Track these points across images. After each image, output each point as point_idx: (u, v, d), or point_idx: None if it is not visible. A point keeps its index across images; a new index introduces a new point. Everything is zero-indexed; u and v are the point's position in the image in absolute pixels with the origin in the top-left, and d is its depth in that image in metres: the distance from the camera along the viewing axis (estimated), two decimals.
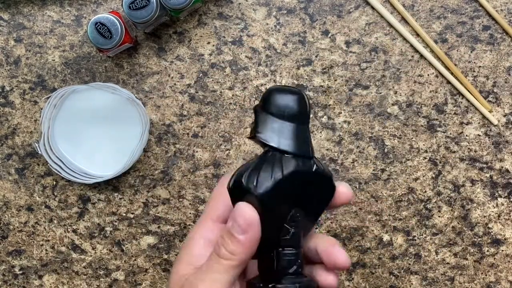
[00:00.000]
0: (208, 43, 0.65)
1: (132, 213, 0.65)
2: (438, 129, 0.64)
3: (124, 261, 0.65)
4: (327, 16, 0.64)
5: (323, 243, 0.47)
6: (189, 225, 0.65)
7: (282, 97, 0.44)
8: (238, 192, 0.43)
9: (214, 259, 0.43)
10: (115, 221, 0.65)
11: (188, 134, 0.65)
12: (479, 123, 0.64)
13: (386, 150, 0.64)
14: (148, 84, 0.65)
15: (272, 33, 0.64)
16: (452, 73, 0.64)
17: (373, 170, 0.64)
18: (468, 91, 0.64)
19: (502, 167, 0.64)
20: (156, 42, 0.65)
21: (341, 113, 0.64)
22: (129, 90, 0.65)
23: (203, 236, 0.46)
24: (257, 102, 0.64)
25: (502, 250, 0.64)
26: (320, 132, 0.64)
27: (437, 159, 0.64)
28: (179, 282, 0.45)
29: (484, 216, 0.64)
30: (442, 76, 0.64)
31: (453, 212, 0.64)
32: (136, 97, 0.64)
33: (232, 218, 0.43)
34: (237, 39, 0.65)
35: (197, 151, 0.65)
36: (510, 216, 0.64)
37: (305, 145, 0.44)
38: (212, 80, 0.65)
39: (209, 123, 0.65)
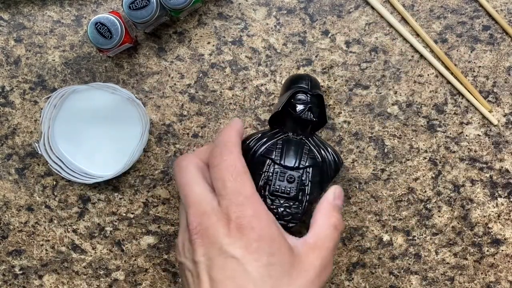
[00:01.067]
0: (208, 43, 0.65)
1: (132, 213, 0.65)
2: (438, 129, 0.64)
3: (124, 261, 0.65)
4: (327, 16, 0.64)
5: None
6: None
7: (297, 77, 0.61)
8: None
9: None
10: (115, 221, 0.65)
11: (188, 134, 0.65)
12: (479, 123, 0.64)
13: (386, 150, 0.64)
14: (148, 84, 0.65)
15: (272, 33, 0.64)
16: (452, 73, 0.64)
17: (373, 170, 0.64)
18: (468, 91, 0.64)
19: (502, 167, 0.64)
20: (156, 42, 0.65)
21: (341, 113, 0.64)
22: (129, 90, 0.65)
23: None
24: (257, 102, 0.64)
25: (502, 250, 0.64)
26: (320, 132, 0.64)
27: (437, 159, 0.64)
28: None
29: (484, 216, 0.64)
30: (442, 76, 0.64)
31: (453, 212, 0.64)
32: (136, 97, 0.64)
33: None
34: (237, 39, 0.65)
35: None
36: (510, 216, 0.64)
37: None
38: (212, 80, 0.65)
39: (209, 123, 0.65)
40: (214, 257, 0.49)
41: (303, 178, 0.57)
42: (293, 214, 0.57)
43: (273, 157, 0.58)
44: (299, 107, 0.58)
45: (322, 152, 0.58)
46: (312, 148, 0.58)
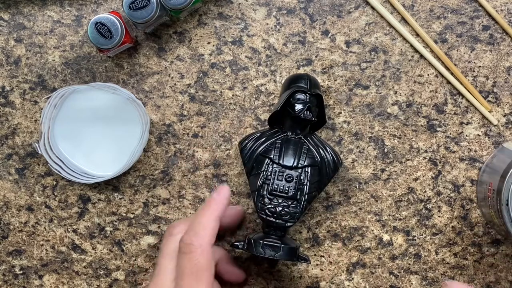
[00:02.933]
0: (208, 43, 0.65)
1: (132, 213, 0.65)
2: (438, 129, 0.64)
3: (124, 261, 0.65)
4: (327, 16, 0.64)
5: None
6: None
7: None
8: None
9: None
10: (115, 221, 0.65)
11: (188, 134, 0.65)
12: (479, 123, 0.64)
13: (386, 150, 0.64)
14: (148, 84, 0.65)
15: (272, 33, 0.64)
16: (452, 73, 0.64)
17: (373, 170, 0.64)
18: (468, 91, 0.64)
19: None
20: (156, 42, 0.65)
21: (341, 113, 0.64)
22: (129, 90, 0.65)
23: None
24: (257, 102, 0.64)
25: (502, 250, 0.64)
26: (320, 132, 0.64)
27: (437, 159, 0.64)
28: None
29: None
30: (442, 76, 0.64)
31: (453, 212, 0.64)
32: (136, 97, 0.64)
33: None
34: (237, 39, 0.65)
35: (197, 151, 0.65)
36: None
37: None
38: (212, 80, 0.65)
39: (209, 123, 0.65)
40: None
41: (302, 178, 0.57)
42: (291, 213, 0.57)
43: (271, 156, 0.58)
44: (298, 107, 0.58)
45: (321, 151, 0.58)
46: (311, 147, 0.58)
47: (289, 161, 0.58)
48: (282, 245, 0.57)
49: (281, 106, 0.58)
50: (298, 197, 0.57)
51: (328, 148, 0.59)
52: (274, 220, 0.57)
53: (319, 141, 0.59)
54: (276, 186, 0.57)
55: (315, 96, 0.59)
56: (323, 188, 0.59)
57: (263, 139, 0.59)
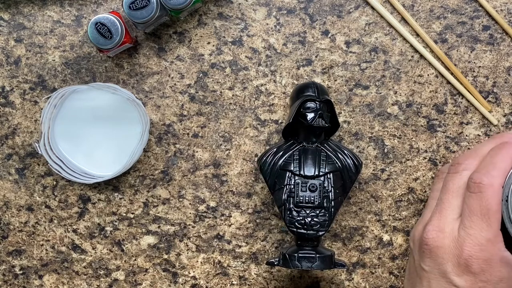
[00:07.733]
0: (208, 43, 0.65)
1: (132, 213, 0.65)
2: (438, 129, 0.64)
3: (124, 261, 0.66)
4: (327, 16, 0.64)
5: None
6: (189, 225, 0.65)
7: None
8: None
9: None
10: (115, 221, 0.65)
11: (188, 134, 0.65)
12: (479, 123, 0.64)
13: (386, 150, 0.64)
14: (148, 84, 0.65)
15: (272, 33, 0.64)
16: (452, 73, 0.64)
17: (373, 170, 0.64)
18: (468, 91, 0.64)
19: None
20: (156, 42, 0.65)
21: (341, 113, 0.64)
22: (129, 90, 0.65)
23: None
24: (257, 102, 0.64)
25: None
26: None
27: (437, 159, 0.64)
28: None
29: None
30: (442, 76, 0.64)
31: None
32: (136, 97, 0.64)
33: None
34: (237, 39, 0.65)
35: (197, 151, 0.65)
36: None
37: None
38: (212, 80, 0.65)
39: (209, 123, 0.65)
40: (437, 276, 0.52)
41: (325, 185, 0.58)
42: (321, 222, 0.57)
43: (292, 169, 0.58)
44: (310, 116, 0.58)
45: (340, 156, 0.59)
46: (329, 153, 0.59)
47: (310, 170, 0.58)
48: (317, 255, 0.57)
49: (293, 117, 0.58)
50: (325, 205, 0.58)
51: (346, 151, 0.59)
52: (305, 231, 0.58)
53: (336, 146, 0.59)
54: (301, 198, 0.57)
55: (325, 102, 0.59)
56: (348, 191, 0.59)
57: (281, 152, 0.59)
